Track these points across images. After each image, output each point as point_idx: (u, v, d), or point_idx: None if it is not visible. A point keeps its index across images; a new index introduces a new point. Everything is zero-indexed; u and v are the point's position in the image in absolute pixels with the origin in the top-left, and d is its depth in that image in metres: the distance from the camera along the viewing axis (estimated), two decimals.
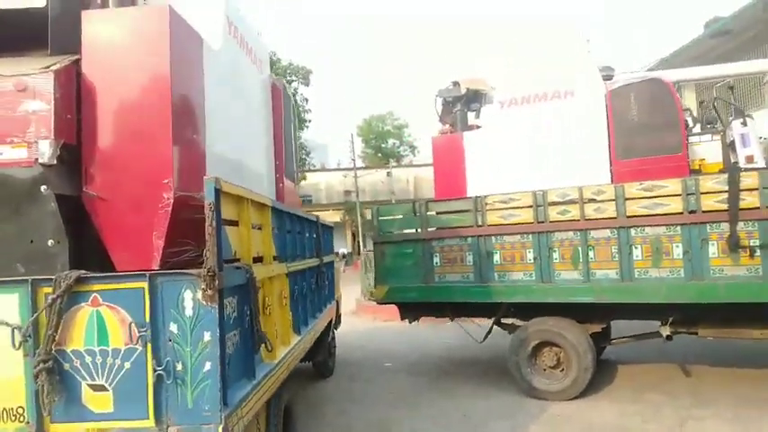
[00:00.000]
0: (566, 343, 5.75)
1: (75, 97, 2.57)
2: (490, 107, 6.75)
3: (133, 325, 2.27)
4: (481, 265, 6.07)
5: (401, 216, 6.70)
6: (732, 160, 5.70)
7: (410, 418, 5.40)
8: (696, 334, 5.72)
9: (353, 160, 32.62)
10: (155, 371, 2.25)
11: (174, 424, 2.26)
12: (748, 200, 4.97)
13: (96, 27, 2.66)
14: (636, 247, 5.42)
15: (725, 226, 5.03)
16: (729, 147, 5.73)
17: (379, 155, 38.23)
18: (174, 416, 2.27)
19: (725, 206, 5.03)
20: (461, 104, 6.90)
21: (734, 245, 4.97)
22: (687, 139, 5.80)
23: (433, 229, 6.40)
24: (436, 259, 6.33)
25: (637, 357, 7.00)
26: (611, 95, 5.95)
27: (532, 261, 5.84)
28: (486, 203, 6.04)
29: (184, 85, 2.73)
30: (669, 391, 5.73)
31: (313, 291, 4.89)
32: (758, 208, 4.93)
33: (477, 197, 6.13)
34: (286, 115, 4.71)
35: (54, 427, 2.28)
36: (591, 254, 5.60)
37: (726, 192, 5.03)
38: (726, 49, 16.16)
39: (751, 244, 4.95)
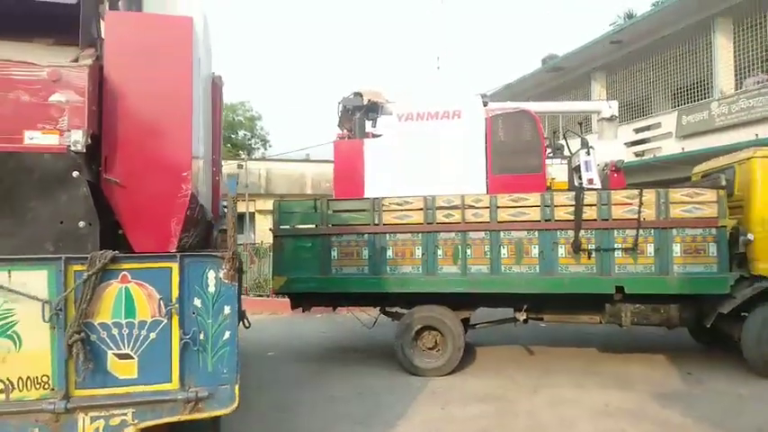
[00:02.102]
0: (444, 327, 6.73)
1: (98, 91, 2.73)
2: (388, 118, 7.54)
3: (161, 300, 2.58)
4: (375, 259, 6.81)
5: (301, 212, 7.18)
6: (576, 181, 7.20)
7: (309, 398, 5.90)
8: (542, 319, 7.11)
9: None
10: (181, 339, 2.59)
11: (195, 385, 2.62)
12: (588, 213, 6.40)
13: (121, 27, 2.86)
14: (503, 247, 6.59)
15: (571, 233, 6.40)
16: (574, 170, 7.23)
17: (229, 145, 37.23)
18: (196, 378, 2.63)
19: (571, 217, 6.40)
20: (361, 113, 7.59)
21: (577, 248, 6.36)
22: (545, 162, 7.18)
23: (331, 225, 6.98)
24: (334, 253, 6.93)
25: (490, 341, 8.30)
26: (490, 121, 7.10)
27: (420, 257, 6.73)
28: (383, 205, 6.81)
29: (195, 85, 3.02)
30: (520, 367, 7.01)
31: None
32: (595, 220, 6.38)
33: (375, 198, 6.86)
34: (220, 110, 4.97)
35: (78, 392, 2.50)
36: (468, 251, 6.65)
37: (572, 206, 6.40)
38: (558, 82, 19.16)
39: (589, 247, 6.38)
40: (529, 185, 6.80)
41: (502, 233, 6.58)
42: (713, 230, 6.25)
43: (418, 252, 6.76)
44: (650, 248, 6.35)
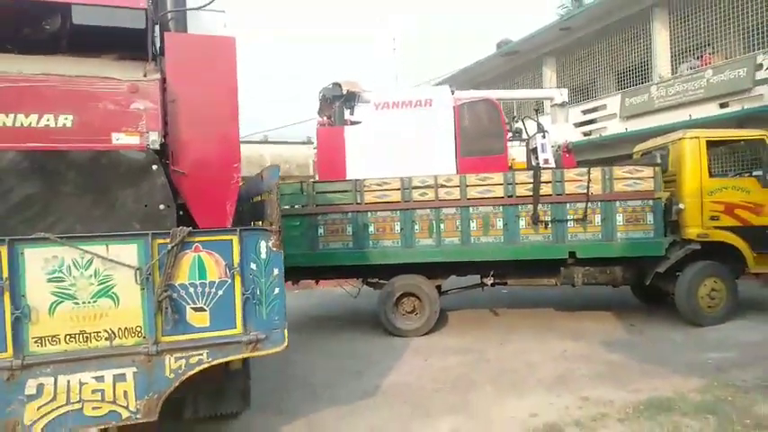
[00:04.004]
0: (422, 293, 7.58)
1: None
2: (365, 106, 8.23)
3: (226, 265, 3.28)
4: (359, 235, 7.56)
5: (289, 193, 7.82)
6: (533, 161, 8.13)
7: (310, 358, 6.66)
8: (506, 284, 8.07)
9: None
10: (243, 295, 3.30)
11: (254, 330, 3.34)
12: (545, 189, 7.33)
13: (179, 46, 3.47)
14: (472, 221, 7.45)
15: (530, 207, 7.32)
16: (532, 152, 8.15)
17: None
18: (254, 324, 3.34)
19: (530, 193, 7.31)
20: (340, 102, 8.26)
21: (535, 220, 7.29)
22: (507, 144, 8.07)
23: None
24: (320, 230, 7.63)
25: (459, 306, 9.22)
26: (457, 108, 7.92)
27: (399, 231, 7.52)
28: (365, 185, 7.54)
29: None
30: (488, 326, 7.97)
31: None
32: (551, 195, 7.32)
33: (356, 180, 7.58)
34: None
35: (165, 338, 3.18)
36: (442, 226, 7.48)
37: (531, 183, 7.32)
38: (513, 65, 20.16)
39: (546, 219, 7.32)
40: (493, 166, 7.68)
41: (471, 209, 7.44)
42: (650, 202, 7.28)
43: (397, 227, 7.54)
44: (597, 219, 7.34)
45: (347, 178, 7.87)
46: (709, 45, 13.78)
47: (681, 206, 7.35)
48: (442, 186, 7.47)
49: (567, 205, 7.35)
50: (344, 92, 8.16)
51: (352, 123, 8.30)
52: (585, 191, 7.28)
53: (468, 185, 7.43)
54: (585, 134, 16.05)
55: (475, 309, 9.13)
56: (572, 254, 7.36)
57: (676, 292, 7.37)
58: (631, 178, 7.34)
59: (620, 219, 7.31)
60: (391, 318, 7.58)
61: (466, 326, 8.06)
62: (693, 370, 5.56)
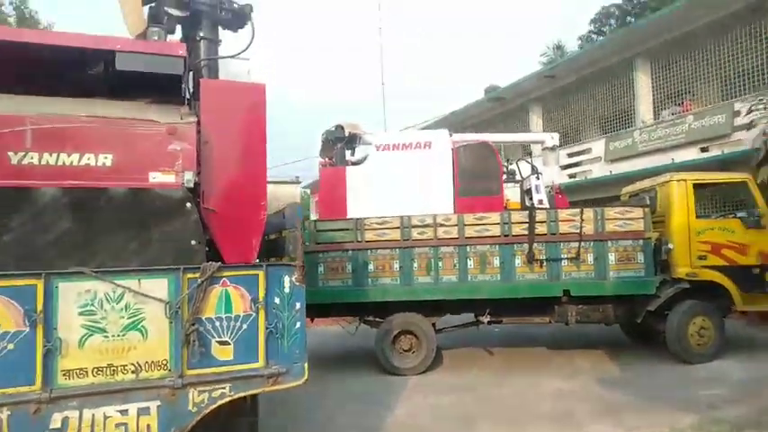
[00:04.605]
0: (419, 331, 7.67)
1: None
2: (366, 147, 8.50)
3: (251, 299, 3.40)
4: (359, 273, 7.68)
5: None
6: (527, 202, 8.40)
7: (305, 396, 6.57)
8: (501, 322, 8.20)
9: None
10: (266, 329, 3.41)
11: (275, 363, 3.44)
12: (540, 229, 7.57)
13: (214, 92, 3.68)
14: (470, 259, 7.63)
15: (526, 246, 7.54)
16: (526, 193, 8.44)
17: None
18: (275, 358, 3.44)
19: (526, 232, 7.54)
20: (342, 144, 8.52)
21: (531, 258, 7.49)
22: (503, 185, 8.36)
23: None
24: (321, 268, 7.74)
25: (453, 344, 9.28)
26: (456, 150, 8.21)
27: (398, 269, 7.66)
28: (365, 224, 7.71)
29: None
30: (484, 365, 8.05)
31: None
32: (546, 234, 7.55)
33: (357, 219, 7.76)
34: None
35: (189, 371, 3.26)
36: (440, 264, 7.65)
37: (526, 223, 7.56)
38: (499, 111, 20.84)
39: (541, 258, 7.54)
40: (490, 206, 7.92)
41: (468, 247, 7.62)
42: (641, 241, 7.55)
43: (396, 265, 7.68)
44: (590, 257, 7.57)
45: (348, 217, 8.04)
46: (689, 92, 14.48)
47: (670, 246, 7.60)
48: (441, 225, 7.67)
49: (561, 244, 7.58)
50: (347, 134, 8.43)
51: (354, 164, 8.53)
52: (578, 230, 7.53)
53: (465, 224, 7.63)
54: (571, 176, 16.52)
55: (468, 347, 9.20)
56: (566, 292, 7.54)
57: (667, 330, 7.53)
58: (622, 219, 7.62)
59: (612, 258, 7.55)
60: (389, 356, 7.64)
61: (461, 364, 8.13)
62: (687, 406, 5.69)
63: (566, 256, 7.57)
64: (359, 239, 7.69)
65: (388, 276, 7.71)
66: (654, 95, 15.45)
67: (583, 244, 7.53)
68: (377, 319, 8.09)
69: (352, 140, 8.54)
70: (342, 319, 8.54)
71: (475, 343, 9.33)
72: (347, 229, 7.75)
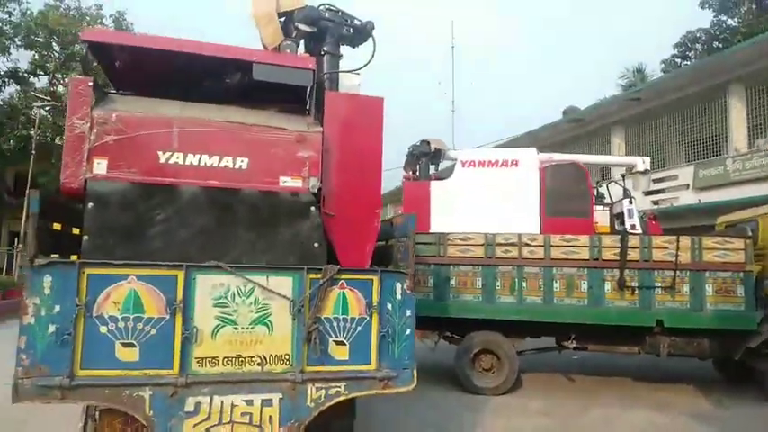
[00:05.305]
0: (501, 351, 7.56)
1: None
2: (450, 163, 8.57)
3: (366, 302, 3.51)
4: (440, 287, 7.68)
5: None
6: (618, 226, 8.17)
7: (385, 408, 6.65)
8: (586, 348, 7.94)
9: None
10: (379, 333, 3.50)
11: (386, 367, 3.52)
12: (632, 255, 7.32)
13: (337, 104, 3.89)
14: (556, 282, 7.46)
15: (616, 271, 7.30)
16: (616, 217, 8.21)
17: None
18: (386, 362, 3.52)
19: (617, 258, 7.31)
20: (427, 158, 8.64)
21: (622, 285, 7.25)
22: (593, 208, 8.17)
23: None
24: None
25: (528, 368, 9.07)
26: (543, 170, 8.13)
27: (480, 287, 7.61)
28: (448, 239, 7.73)
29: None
30: (566, 391, 7.82)
31: None
32: (638, 261, 7.30)
33: (440, 233, 7.79)
34: None
35: (308, 368, 3.39)
36: (524, 284, 7.53)
37: (618, 248, 7.33)
38: (577, 133, 20.42)
39: (633, 285, 7.27)
40: (578, 228, 7.75)
41: (554, 269, 7.46)
42: (741, 274, 7.14)
43: (478, 282, 7.62)
44: (686, 288, 7.23)
45: (431, 231, 8.09)
46: None
47: None
48: (526, 245, 7.55)
49: (655, 272, 7.28)
50: (432, 149, 8.53)
51: (437, 179, 8.61)
52: (674, 259, 7.22)
53: (552, 245, 7.49)
54: (654, 203, 15.89)
55: (545, 372, 8.96)
56: (659, 322, 7.23)
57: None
58: (721, 249, 7.25)
59: (709, 289, 7.18)
60: (469, 374, 7.57)
61: (542, 388, 7.93)
62: None
63: (659, 284, 7.26)
64: (441, 254, 7.70)
65: (469, 293, 7.66)
66: (749, 123, 14.67)
67: (678, 273, 7.22)
68: (455, 336, 8.07)
69: (436, 156, 8.63)
70: (421, 333, 8.53)
71: (552, 368, 9.08)
72: (430, 243, 7.79)
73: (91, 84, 3.37)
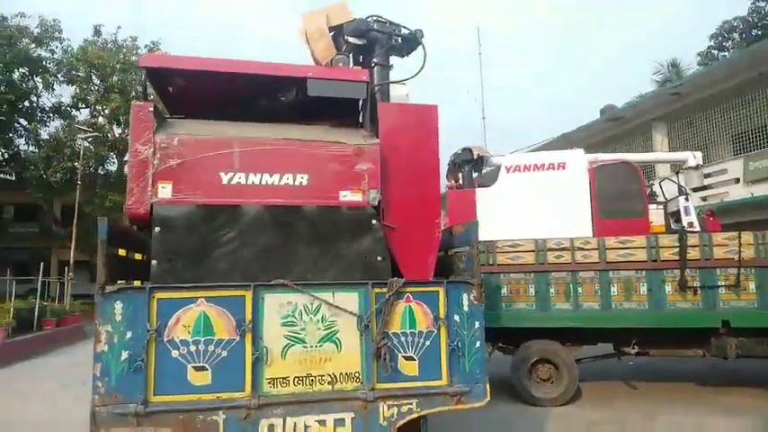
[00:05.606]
0: (559, 360, 7.32)
1: None
2: (493, 169, 8.42)
3: (433, 315, 3.41)
4: (491, 297, 7.50)
5: None
6: (674, 225, 7.85)
7: (438, 420, 6.52)
8: (648, 354, 7.62)
9: None
10: (448, 346, 3.40)
11: (458, 383, 3.40)
12: (692, 254, 7.02)
13: (391, 114, 3.85)
14: (613, 286, 7.20)
15: (677, 272, 6.99)
16: (671, 215, 7.90)
17: None
18: (458, 377, 3.41)
19: (676, 258, 7.02)
20: (470, 166, 8.51)
21: (683, 285, 6.94)
22: (648, 207, 7.89)
23: None
24: None
25: (588, 377, 8.77)
26: (593, 171, 7.90)
27: (534, 294, 7.40)
28: (497, 247, 7.57)
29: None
30: (628, 399, 7.52)
31: None
32: (699, 260, 6.98)
33: (488, 242, 7.62)
34: None
35: (379, 385, 3.30)
36: (579, 290, 7.29)
37: (677, 247, 7.04)
38: (616, 132, 19.93)
39: (694, 285, 6.96)
40: (633, 229, 7.48)
41: (611, 272, 7.20)
42: None
43: (531, 290, 7.41)
44: (752, 285, 6.87)
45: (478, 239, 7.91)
46: None
47: None
48: (579, 249, 7.32)
49: (718, 271, 6.96)
50: (475, 156, 8.41)
51: (481, 186, 8.47)
52: (737, 256, 6.89)
53: (607, 248, 7.24)
54: (703, 199, 15.31)
55: (602, 381, 8.64)
56: (725, 323, 6.89)
57: None
58: None
59: None
60: (526, 385, 7.35)
61: (601, 398, 7.65)
62: None
63: (723, 283, 6.93)
64: (490, 262, 7.54)
65: (522, 301, 7.46)
66: None
67: (742, 270, 6.88)
68: (510, 346, 7.87)
69: (479, 163, 8.49)
70: None
71: (609, 376, 8.76)
72: (478, 252, 7.61)
73: (152, 109, 3.40)
